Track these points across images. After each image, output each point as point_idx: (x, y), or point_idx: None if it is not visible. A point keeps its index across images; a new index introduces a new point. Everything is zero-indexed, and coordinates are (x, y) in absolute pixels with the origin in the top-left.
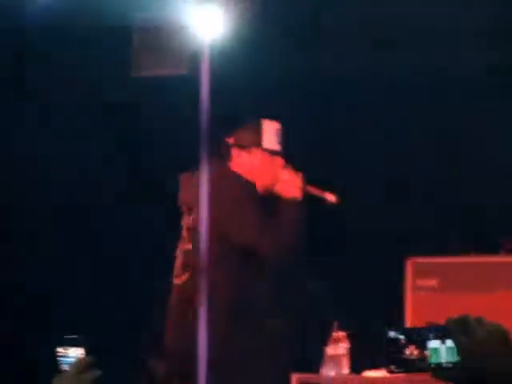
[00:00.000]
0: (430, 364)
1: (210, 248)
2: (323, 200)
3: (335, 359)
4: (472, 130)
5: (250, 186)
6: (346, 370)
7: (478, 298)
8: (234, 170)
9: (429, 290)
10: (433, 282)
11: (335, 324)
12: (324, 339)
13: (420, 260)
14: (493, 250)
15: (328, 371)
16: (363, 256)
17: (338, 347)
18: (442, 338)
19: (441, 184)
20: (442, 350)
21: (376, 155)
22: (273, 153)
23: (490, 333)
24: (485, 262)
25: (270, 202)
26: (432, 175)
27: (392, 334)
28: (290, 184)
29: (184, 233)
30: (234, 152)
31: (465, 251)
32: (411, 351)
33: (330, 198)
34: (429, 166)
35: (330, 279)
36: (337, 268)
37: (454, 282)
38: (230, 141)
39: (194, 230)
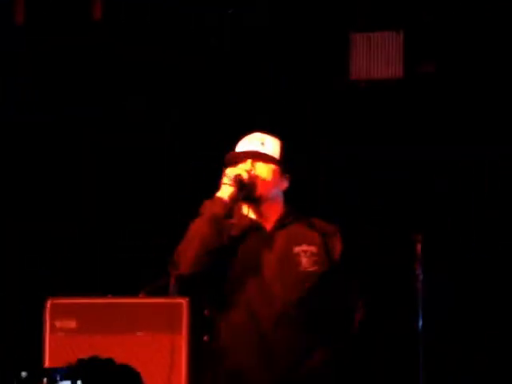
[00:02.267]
0: None
1: None
2: None
3: None
4: None
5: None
6: None
7: (117, 339)
8: None
9: (67, 331)
10: (71, 324)
11: None
12: None
13: (59, 300)
14: (132, 291)
15: None
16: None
17: None
18: (73, 378)
19: None
20: None
21: None
22: (234, 159)
23: (117, 374)
24: (124, 304)
25: None
26: None
27: (24, 374)
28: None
29: None
30: None
31: (104, 293)
32: None
33: None
34: None
35: None
36: None
37: (93, 323)
38: None
39: None
